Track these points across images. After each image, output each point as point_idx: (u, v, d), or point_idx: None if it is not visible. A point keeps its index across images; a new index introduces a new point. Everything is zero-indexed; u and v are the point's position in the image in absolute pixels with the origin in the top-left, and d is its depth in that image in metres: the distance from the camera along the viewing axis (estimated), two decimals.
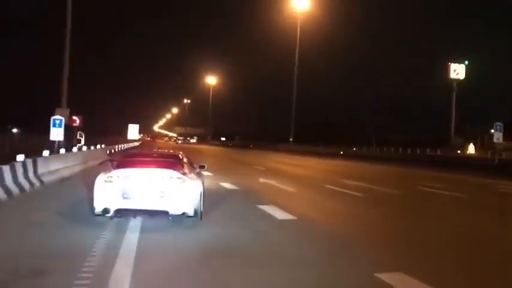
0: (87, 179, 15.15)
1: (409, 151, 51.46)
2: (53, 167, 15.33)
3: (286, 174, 21.78)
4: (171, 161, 8.53)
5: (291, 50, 63.36)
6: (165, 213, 7.44)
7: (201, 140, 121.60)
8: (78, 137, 28.11)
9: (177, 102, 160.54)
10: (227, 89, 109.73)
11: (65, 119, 24.03)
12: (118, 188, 7.39)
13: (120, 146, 45.45)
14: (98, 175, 7.88)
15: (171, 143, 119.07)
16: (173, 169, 7.78)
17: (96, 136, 45.34)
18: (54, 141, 21.86)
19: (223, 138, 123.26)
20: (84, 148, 23.66)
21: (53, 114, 22.49)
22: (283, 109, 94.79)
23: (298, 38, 60.77)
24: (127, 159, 8.84)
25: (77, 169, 18.13)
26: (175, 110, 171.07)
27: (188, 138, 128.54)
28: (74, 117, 26.96)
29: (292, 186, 15.17)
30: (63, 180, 14.83)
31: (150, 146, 65.30)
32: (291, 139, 62.31)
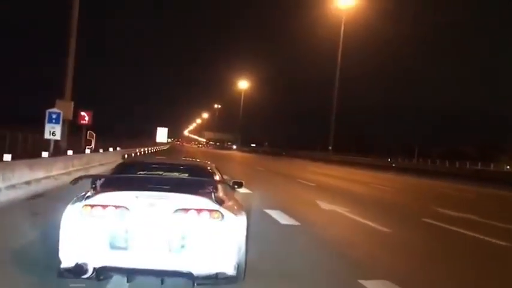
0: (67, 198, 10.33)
1: (457, 164, 45.48)
2: (28, 176, 10.48)
3: (347, 195, 16.28)
4: (196, 180, 5.17)
5: (331, 53, 57.81)
6: (187, 275, 4.21)
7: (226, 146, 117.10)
8: (88, 137, 23.40)
9: (208, 107, 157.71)
10: (259, 95, 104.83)
11: (68, 113, 19.47)
12: (104, 229, 4.23)
13: (142, 149, 40.77)
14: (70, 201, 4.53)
15: (201, 148, 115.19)
16: (201, 194, 4.47)
17: (124, 139, 41.52)
18: (50, 141, 17.23)
19: (253, 145, 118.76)
20: (87, 151, 18.80)
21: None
22: (315, 117, 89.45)
23: (341, 38, 55.12)
24: (121, 176, 5.30)
25: (63, 180, 13.22)
26: (205, 115, 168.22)
27: (229, 143, 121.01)
28: (82, 113, 22.23)
29: (378, 221, 9.74)
30: (30, 199, 9.86)
31: (176, 151, 61.04)
32: (330, 148, 56.53)
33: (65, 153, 15.85)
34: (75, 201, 4.50)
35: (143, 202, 4.32)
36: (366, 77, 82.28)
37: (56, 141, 17.62)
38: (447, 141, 77.72)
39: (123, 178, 5.20)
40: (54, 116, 16.97)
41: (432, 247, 7.94)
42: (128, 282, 4.40)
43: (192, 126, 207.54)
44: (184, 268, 4.19)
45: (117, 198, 4.36)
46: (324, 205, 12.06)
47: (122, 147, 30.97)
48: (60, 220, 4.35)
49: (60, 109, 18.17)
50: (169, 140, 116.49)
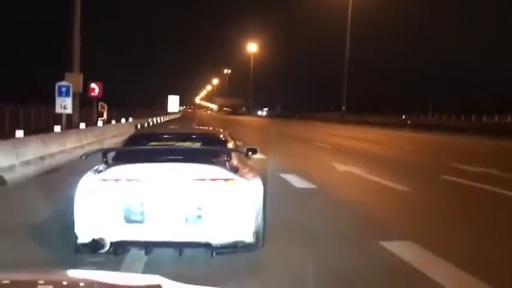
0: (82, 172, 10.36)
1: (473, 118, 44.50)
2: (42, 151, 10.48)
3: (363, 155, 16.07)
4: (210, 149, 5.07)
5: (343, 12, 56.15)
6: (205, 245, 4.15)
7: (239, 111, 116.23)
8: (100, 109, 23.35)
9: (218, 73, 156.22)
10: (270, 58, 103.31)
11: (77, 86, 19.34)
12: (119, 203, 4.12)
13: (154, 119, 40.80)
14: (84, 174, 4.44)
15: (214, 114, 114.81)
16: (216, 164, 4.39)
17: (136, 109, 41.49)
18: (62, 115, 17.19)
19: (265, 109, 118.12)
20: (100, 123, 18.75)
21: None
22: (327, 79, 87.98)
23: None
24: (134, 148, 5.15)
25: (77, 154, 13.21)
26: (215, 81, 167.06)
27: (244, 109, 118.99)
28: (92, 85, 22.07)
29: (396, 181, 9.58)
30: (45, 175, 9.88)
31: (188, 119, 61.05)
32: (343, 108, 55.83)
33: (78, 126, 15.80)
34: (88, 176, 4.39)
35: (157, 174, 4.23)
36: (379, 36, 80.00)
37: (68, 114, 17.58)
38: (463, 96, 76.17)
39: (136, 150, 5.08)
40: (63, 90, 16.81)
41: (453, 205, 7.77)
42: (145, 255, 4.33)
43: (203, 93, 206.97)
44: (202, 239, 4.15)
45: (130, 171, 4.26)
46: (340, 167, 11.92)
47: (134, 118, 30.98)
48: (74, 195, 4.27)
49: (70, 82, 18.01)
50: (181, 108, 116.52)
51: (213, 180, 4.20)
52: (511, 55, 66.51)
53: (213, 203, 4.17)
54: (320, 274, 4.25)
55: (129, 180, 4.18)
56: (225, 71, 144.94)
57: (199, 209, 4.14)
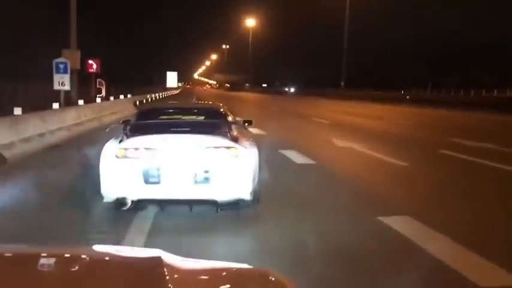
0: (85, 149, 10.37)
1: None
2: (41, 128, 10.48)
3: (363, 131, 16.10)
4: (212, 122, 5.81)
5: None
6: (211, 202, 4.95)
7: (241, 87, 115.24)
8: (98, 86, 23.21)
9: (216, 49, 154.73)
10: (269, 33, 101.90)
11: (75, 63, 19.18)
12: (138, 168, 4.84)
13: (153, 95, 40.61)
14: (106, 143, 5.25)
15: (213, 90, 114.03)
16: (219, 134, 5.17)
17: (134, 85, 41.29)
18: (60, 92, 17.10)
19: (264, 85, 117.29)
20: (98, 100, 18.67)
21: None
22: (327, 54, 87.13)
23: None
24: (147, 121, 5.83)
25: (76, 131, 13.23)
26: (214, 57, 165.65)
27: (247, 85, 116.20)
28: (90, 61, 21.89)
29: (395, 155, 9.62)
30: (45, 151, 9.90)
31: (187, 94, 60.84)
32: (342, 83, 55.61)
33: (76, 103, 15.75)
34: (111, 145, 5.10)
35: (170, 143, 4.95)
36: (376, 13, 78.70)
37: (66, 91, 17.50)
38: (461, 71, 75.48)
39: (151, 123, 5.70)
40: (61, 66, 16.66)
41: (451, 179, 7.83)
42: (161, 210, 5.10)
43: (201, 69, 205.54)
44: (209, 197, 4.87)
45: (148, 140, 4.97)
46: (339, 142, 11.95)
47: (133, 94, 30.82)
48: (93, 164, 4.99)
49: (67, 58, 17.85)
50: (179, 84, 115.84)
51: (217, 148, 4.91)
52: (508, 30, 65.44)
53: (218, 167, 4.85)
54: (317, 242, 4.31)
55: (146, 148, 4.88)
56: (224, 46, 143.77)
57: (206, 172, 4.82)
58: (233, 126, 5.64)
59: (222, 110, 6.46)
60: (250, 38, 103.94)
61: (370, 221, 5.08)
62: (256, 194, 5.04)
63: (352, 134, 14.33)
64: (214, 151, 4.89)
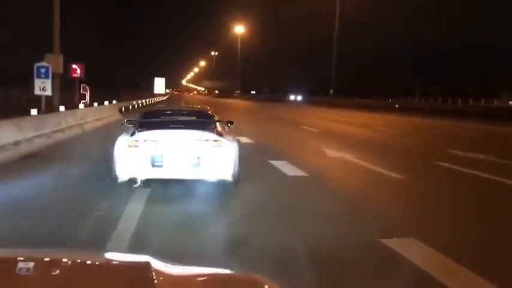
0: (65, 157, 9.80)
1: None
2: (16, 136, 9.87)
3: (354, 140, 15.69)
4: (202, 121, 7.33)
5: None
6: (202, 181, 6.55)
7: (230, 93, 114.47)
8: (82, 91, 22.56)
9: (205, 55, 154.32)
10: (257, 40, 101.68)
11: (57, 67, 18.55)
12: (146, 155, 6.30)
13: (140, 101, 39.89)
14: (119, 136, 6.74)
15: (202, 97, 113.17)
16: (207, 130, 6.69)
17: (121, 91, 40.54)
18: (41, 97, 16.46)
19: (253, 92, 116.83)
20: (81, 106, 18.02)
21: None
22: (316, 62, 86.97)
23: None
24: (151, 120, 7.32)
25: (57, 138, 12.62)
26: (202, 63, 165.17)
27: (238, 92, 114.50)
28: (74, 66, 21.25)
29: (390, 167, 9.19)
30: (21, 161, 9.27)
31: (176, 100, 60.19)
32: (331, 91, 55.43)
33: (58, 109, 15.11)
34: (124, 137, 6.57)
35: (170, 137, 6.43)
36: (366, 21, 78.84)
37: (48, 97, 16.85)
38: (449, 79, 75.94)
39: (155, 122, 7.13)
40: (43, 71, 16.03)
41: (452, 194, 7.40)
42: (164, 189, 6.56)
43: (190, 76, 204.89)
44: (200, 177, 6.42)
45: (153, 134, 6.42)
46: (331, 152, 11.52)
47: (118, 100, 30.13)
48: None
49: (49, 63, 17.24)
50: (167, 91, 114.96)
51: (207, 140, 6.40)
52: (495, 39, 66.11)
53: (206, 155, 6.31)
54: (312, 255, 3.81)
55: (152, 140, 6.33)
56: (213, 53, 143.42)
57: (198, 158, 6.29)
58: (218, 124, 7.31)
59: (209, 112, 7.89)
60: (239, 45, 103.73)
61: (371, 242, 4.60)
62: (235, 176, 6.51)
63: (343, 144, 13.93)
64: (204, 143, 6.36)
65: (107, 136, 14.63)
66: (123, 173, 6.30)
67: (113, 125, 18.53)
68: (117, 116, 23.60)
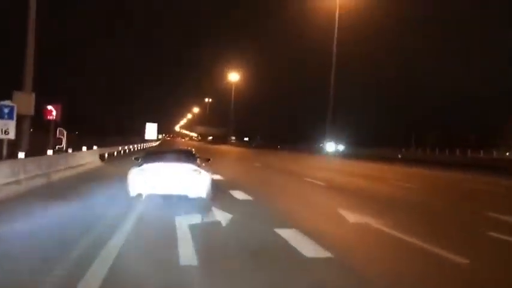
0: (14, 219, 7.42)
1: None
2: None
3: (370, 197, 13.20)
4: (187, 157, 10.64)
5: (326, 41, 54.65)
6: (185, 196, 9.65)
7: (222, 140, 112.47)
8: (58, 135, 20.20)
9: (199, 102, 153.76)
10: (250, 88, 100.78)
11: (28, 107, 16.30)
12: (149, 178, 9.54)
13: (127, 147, 37.47)
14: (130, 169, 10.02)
15: (195, 143, 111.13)
16: (190, 163, 10.06)
17: (108, 136, 38.41)
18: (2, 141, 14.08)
19: (246, 139, 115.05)
20: (50, 152, 15.55)
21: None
22: (308, 109, 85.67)
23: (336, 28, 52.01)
24: (152, 156, 10.81)
25: (8, 192, 10.08)
26: (196, 110, 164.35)
27: (233, 138, 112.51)
28: (49, 107, 18.99)
29: (438, 243, 6.75)
30: None
31: (167, 146, 57.93)
32: (325, 141, 53.58)
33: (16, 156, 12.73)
34: (134, 167, 9.92)
35: (166, 167, 9.86)
36: (358, 65, 78.31)
37: (12, 141, 14.50)
38: (441, 125, 74.54)
39: (155, 157, 10.65)
40: (6, 110, 13.77)
41: None
42: (164, 201, 9.81)
43: (183, 122, 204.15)
44: (184, 193, 9.69)
45: (154, 165, 9.87)
46: (350, 216, 9.10)
47: (103, 146, 27.66)
48: None
49: (18, 102, 15.03)
50: (159, 136, 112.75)
51: (190, 170, 9.79)
52: (487, 90, 65.15)
53: (189, 179, 9.67)
54: None
55: (153, 169, 9.75)
56: (206, 99, 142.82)
57: (184, 181, 9.64)
58: (198, 159, 10.72)
59: (193, 151, 11.67)
60: (232, 93, 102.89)
61: None
62: (208, 195, 9.79)
63: (360, 203, 11.54)
64: (188, 171, 9.75)
65: (73, 187, 12.07)
66: (134, 190, 9.60)
67: (87, 175, 16.10)
68: (97, 163, 21.12)
